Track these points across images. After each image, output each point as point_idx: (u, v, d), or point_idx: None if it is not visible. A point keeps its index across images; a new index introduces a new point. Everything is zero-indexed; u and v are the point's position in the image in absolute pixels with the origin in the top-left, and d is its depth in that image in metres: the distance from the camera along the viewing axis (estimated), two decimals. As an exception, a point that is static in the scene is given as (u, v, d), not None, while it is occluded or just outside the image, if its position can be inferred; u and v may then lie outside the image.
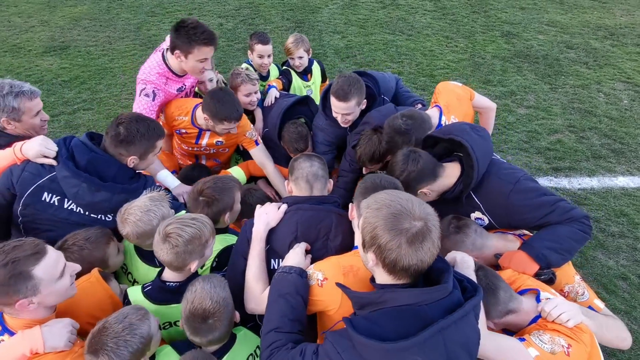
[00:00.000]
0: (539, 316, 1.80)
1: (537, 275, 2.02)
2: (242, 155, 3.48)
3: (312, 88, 3.80)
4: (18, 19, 7.58)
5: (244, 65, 3.63)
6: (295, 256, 1.77)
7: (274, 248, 1.93)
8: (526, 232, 2.31)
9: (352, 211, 1.85)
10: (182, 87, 2.99)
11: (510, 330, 1.87)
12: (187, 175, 3.03)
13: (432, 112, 2.72)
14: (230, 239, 2.25)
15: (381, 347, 1.25)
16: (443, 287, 1.35)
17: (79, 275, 1.82)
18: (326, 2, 8.28)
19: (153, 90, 2.82)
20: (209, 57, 2.79)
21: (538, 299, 1.84)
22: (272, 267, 1.92)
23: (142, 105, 2.79)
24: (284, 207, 1.97)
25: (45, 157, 2.10)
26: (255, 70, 3.60)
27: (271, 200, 2.92)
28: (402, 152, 2.20)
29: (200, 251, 1.84)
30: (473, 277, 1.71)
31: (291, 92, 3.64)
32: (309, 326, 1.70)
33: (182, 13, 7.76)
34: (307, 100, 3.32)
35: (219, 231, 2.21)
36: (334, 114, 2.86)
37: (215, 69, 3.61)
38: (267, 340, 1.54)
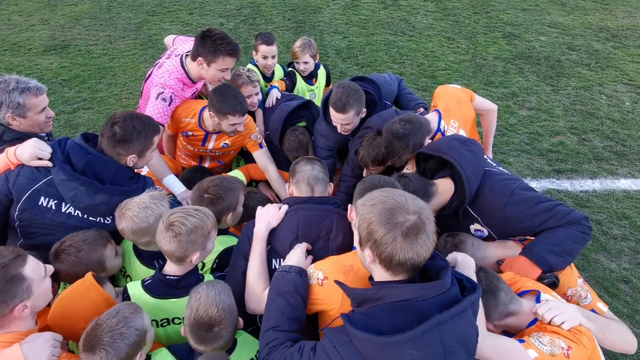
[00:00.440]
0: (538, 318, 1.79)
1: (540, 279, 2.01)
2: (243, 157, 3.46)
3: (315, 92, 3.78)
4: (18, 18, 7.56)
5: (249, 65, 3.61)
6: (296, 256, 1.77)
7: (275, 248, 1.93)
8: (527, 237, 2.30)
9: (351, 212, 1.85)
10: (195, 91, 3.02)
11: (509, 332, 1.87)
12: (188, 178, 3.01)
13: (431, 117, 2.71)
14: (231, 241, 2.24)
15: (377, 341, 1.25)
16: (440, 283, 1.35)
17: (74, 279, 1.81)
18: (327, 2, 8.26)
19: (171, 96, 2.82)
20: (231, 67, 2.82)
21: (538, 300, 1.83)
22: (273, 267, 1.92)
23: (158, 109, 2.78)
24: (285, 207, 1.98)
25: (40, 159, 2.06)
26: (260, 71, 3.58)
27: (272, 202, 2.91)
28: (392, 177, 2.20)
29: (203, 243, 1.84)
30: (474, 278, 1.71)
31: (294, 93, 3.62)
32: (309, 326, 1.70)
33: (183, 12, 7.74)
34: (308, 104, 3.30)
35: (220, 232, 2.20)
36: (333, 123, 2.87)
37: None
38: (266, 339, 1.54)
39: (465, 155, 2.21)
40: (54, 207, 2.09)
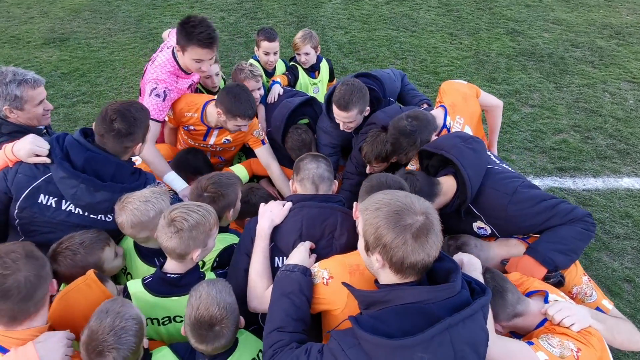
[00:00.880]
0: (547, 319, 1.78)
1: (545, 279, 2.01)
2: (245, 153, 3.43)
3: (319, 86, 3.74)
4: (17, 10, 7.49)
5: (251, 60, 3.57)
6: (300, 254, 1.74)
7: (278, 246, 1.90)
8: (530, 234, 2.28)
9: (357, 210, 1.82)
10: (191, 83, 2.96)
11: (517, 333, 1.86)
12: (181, 159, 2.98)
13: (437, 113, 2.68)
14: (231, 239, 2.22)
15: (387, 344, 1.24)
16: (450, 285, 1.34)
17: (71, 280, 1.79)
18: (329, -4, 8.20)
19: (164, 90, 2.77)
20: (205, 59, 2.69)
21: (546, 301, 1.82)
22: (276, 265, 1.90)
23: (153, 106, 2.74)
24: (289, 204, 1.95)
25: (38, 155, 2.03)
26: (262, 67, 3.54)
27: (274, 199, 2.89)
28: (398, 174, 2.17)
29: (204, 240, 1.82)
30: (480, 280, 1.69)
31: (297, 88, 3.59)
32: (313, 325, 1.67)
33: (184, 6, 7.67)
34: (311, 101, 3.27)
35: (220, 230, 2.16)
36: (336, 120, 2.84)
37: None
38: (270, 340, 1.52)
39: (467, 153, 2.18)
40: (54, 205, 2.05)
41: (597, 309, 2.03)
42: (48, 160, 2.03)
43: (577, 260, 2.13)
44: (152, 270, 2.04)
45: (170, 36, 3.11)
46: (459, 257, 1.81)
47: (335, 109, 2.76)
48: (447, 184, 2.22)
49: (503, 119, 4.94)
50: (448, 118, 2.65)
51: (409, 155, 2.52)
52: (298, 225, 1.88)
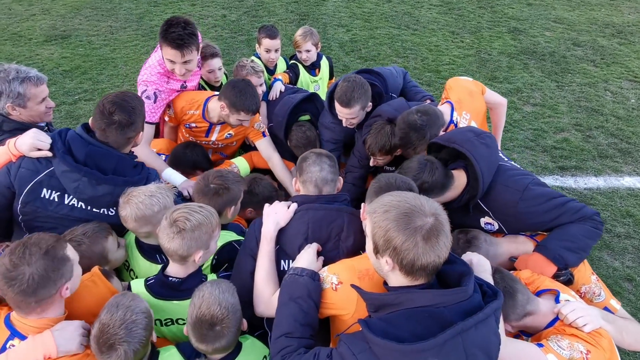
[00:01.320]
0: (557, 319, 1.78)
1: (555, 277, 2.00)
2: (245, 150, 3.43)
3: (319, 83, 3.74)
4: (19, 7, 7.49)
5: (252, 58, 3.57)
6: (307, 257, 1.71)
7: (284, 249, 1.87)
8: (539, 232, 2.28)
9: (364, 212, 1.78)
10: (184, 84, 2.92)
11: (527, 332, 1.85)
12: (180, 154, 2.97)
13: (444, 109, 2.67)
14: (229, 236, 2.22)
15: (399, 349, 1.22)
16: (463, 289, 1.32)
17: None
18: (331, -6, 8.19)
19: (154, 92, 2.76)
20: (176, 61, 2.62)
21: (557, 300, 1.82)
22: (281, 268, 1.86)
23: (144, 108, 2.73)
24: (294, 206, 1.90)
25: (40, 150, 2.03)
26: (264, 64, 3.55)
27: (277, 191, 2.89)
28: (418, 159, 2.15)
29: (207, 241, 1.80)
30: (490, 281, 1.68)
31: (298, 86, 3.59)
32: (321, 329, 1.65)
33: (185, 3, 7.67)
34: (313, 97, 3.27)
35: (218, 227, 2.17)
36: (339, 116, 2.84)
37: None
38: (278, 346, 1.50)
39: (481, 148, 2.15)
40: (56, 199, 2.06)
41: (605, 308, 2.04)
42: (50, 154, 2.03)
43: (585, 258, 2.12)
44: (154, 266, 2.05)
45: None
46: (467, 257, 1.79)
47: (337, 105, 2.75)
48: (457, 179, 2.20)
49: (504, 117, 4.98)
50: (455, 114, 2.65)
51: (417, 150, 2.49)
52: (304, 228, 1.84)
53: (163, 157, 3.01)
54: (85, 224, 2.00)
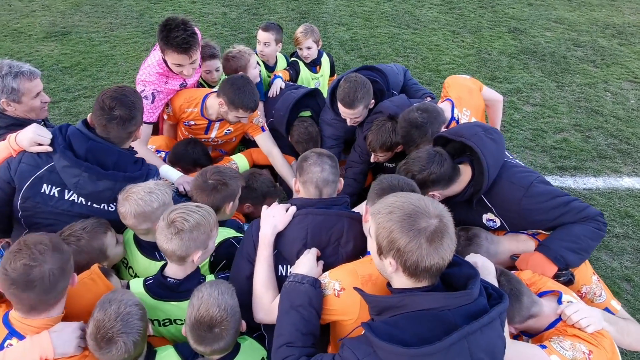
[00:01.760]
0: (558, 320, 1.78)
1: (556, 277, 2.00)
2: (246, 146, 3.43)
3: (320, 80, 3.73)
4: (19, 3, 7.47)
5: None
6: (307, 263, 1.68)
7: (282, 254, 1.84)
8: (540, 230, 2.27)
9: (367, 213, 1.74)
10: (184, 83, 2.91)
11: (528, 333, 1.86)
12: (180, 152, 2.96)
13: (444, 106, 2.67)
14: (226, 232, 2.21)
15: (404, 353, 1.21)
16: (468, 292, 1.31)
17: (78, 271, 1.79)
18: (331, -7, 8.18)
19: (152, 92, 2.75)
20: (184, 64, 2.63)
21: (560, 302, 1.82)
22: (280, 274, 1.83)
23: None
24: (293, 209, 1.87)
25: (40, 144, 2.02)
26: (263, 62, 3.54)
27: (276, 186, 2.89)
28: (427, 150, 2.14)
29: (205, 241, 1.79)
30: (495, 283, 1.67)
31: (299, 83, 3.58)
32: (321, 334, 1.63)
33: (186, 1, 7.65)
34: (315, 92, 3.26)
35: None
36: (342, 116, 2.84)
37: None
38: (280, 356, 1.48)
39: (488, 142, 2.14)
40: (57, 195, 2.05)
41: (606, 309, 2.04)
42: (50, 149, 2.02)
43: (587, 259, 2.12)
44: (153, 263, 2.04)
45: None
46: (472, 259, 1.77)
47: (340, 106, 2.76)
48: (464, 172, 2.19)
49: (504, 117, 4.97)
50: (456, 110, 2.65)
51: (419, 148, 2.49)
52: (303, 233, 1.80)
53: (162, 154, 3.01)
54: (83, 219, 2.00)
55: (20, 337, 1.54)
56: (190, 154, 2.94)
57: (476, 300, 1.32)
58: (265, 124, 3.09)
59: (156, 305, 1.83)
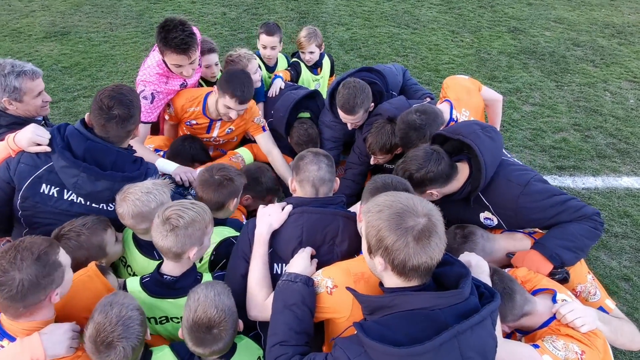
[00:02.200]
0: (552, 318, 1.78)
1: (551, 275, 2.00)
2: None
3: (320, 82, 3.74)
4: (18, 3, 7.47)
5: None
6: (301, 262, 1.68)
7: (277, 252, 1.84)
8: (536, 229, 2.28)
9: (361, 213, 1.74)
10: (184, 83, 2.92)
11: (521, 330, 1.86)
12: (178, 148, 2.96)
13: (443, 107, 2.68)
14: (227, 232, 2.22)
15: (395, 352, 1.21)
16: (459, 292, 1.31)
17: (76, 268, 1.79)
18: (331, -7, 8.18)
19: (152, 93, 2.75)
20: (184, 64, 2.62)
21: (554, 300, 1.82)
22: (274, 272, 1.84)
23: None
24: (288, 208, 1.88)
25: (39, 145, 2.03)
26: (264, 62, 3.55)
27: (279, 187, 2.90)
28: (424, 148, 2.14)
29: (200, 237, 1.79)
30: (488, 282, 1.67)
31: (299, 84, 3.58)
32: (315, 333, 1.64)
33: (185, 1, 7.65)
34: (314, 94, 3.27)
35: (216, 223, 2.16)
36: (343, 121, 2.85)
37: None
38: (273, 354, 1.49)
39: (486, 140, 2.14)
40: (56, 195, 2.06)
41: (600, 308, 2.04)
42: (49, 149, 2.03)
43: (583, 258, 2.12)
44: (151, 262, 2.04)
45: None
46: (466, 258, 1.77)
47: (340, 112, 2.77)
48: (461, 170, 2.20)
49: (503, 117, 4.96)
50: (454, 111, 2.65)
51: None
52: (298, 232, 1.81)
53: (161, 153, 3.01)
54: (83, 217, 2.00)
55: (12, 339, 1.53)
56: (188, 149, 2.95)
57: (467, 299, 1.32)
58: (266, 124, 3.09)
59: (153, 302, 1.83)
